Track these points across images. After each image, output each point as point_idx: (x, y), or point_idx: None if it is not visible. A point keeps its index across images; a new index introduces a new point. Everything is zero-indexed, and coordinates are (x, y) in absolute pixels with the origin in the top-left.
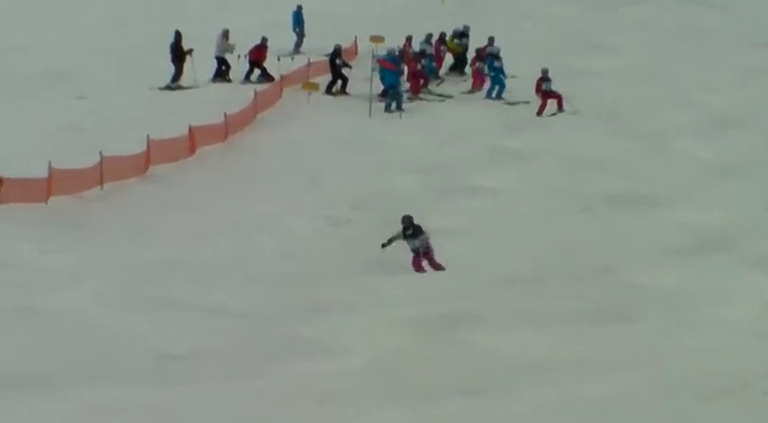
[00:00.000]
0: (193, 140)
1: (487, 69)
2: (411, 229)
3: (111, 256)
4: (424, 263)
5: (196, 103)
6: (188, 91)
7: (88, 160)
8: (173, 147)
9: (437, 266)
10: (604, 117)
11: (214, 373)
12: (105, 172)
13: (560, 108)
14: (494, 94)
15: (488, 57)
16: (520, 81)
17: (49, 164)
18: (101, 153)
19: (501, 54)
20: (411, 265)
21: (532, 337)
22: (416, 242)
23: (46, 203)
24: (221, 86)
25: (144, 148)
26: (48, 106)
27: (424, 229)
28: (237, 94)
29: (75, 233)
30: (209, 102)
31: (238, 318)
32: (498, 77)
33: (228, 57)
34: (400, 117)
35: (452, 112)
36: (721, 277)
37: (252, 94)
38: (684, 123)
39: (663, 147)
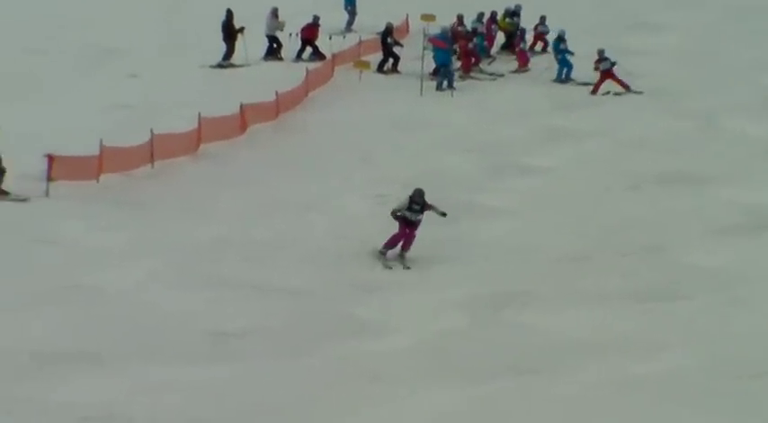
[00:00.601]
0: (244, 119)
1: (554, 52)
2: (419, 206)
3: (162, 235)
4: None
5: (247, 82)
6: (239, 69)
7: (139, 138)
8: (224, 125)
9: (406, 247)
10: (656, 96)
11: (266, 350)
12: (156, 150)
13: (626, 88)
14: (563, 76)
15: (555, 39)
16: (575, 61)
17: (101, 141)
18: (152, 131)
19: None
20: (390, 237)
21: (582, 316)
22: (417, 216)
23: (97, 181)
24: (272, 65)
25: (195, 126)
26: (100, 84)
27: (423, 212)
28: (289, 73)
29: (126, 211)
30: (260, 80)
31: (290, 296)
32: (565, 59)
33: (280, 35)
34: (452, 96)
35: (504, 91)
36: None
37: (303, 73)
38: (737, 102)
39: (714, 126)
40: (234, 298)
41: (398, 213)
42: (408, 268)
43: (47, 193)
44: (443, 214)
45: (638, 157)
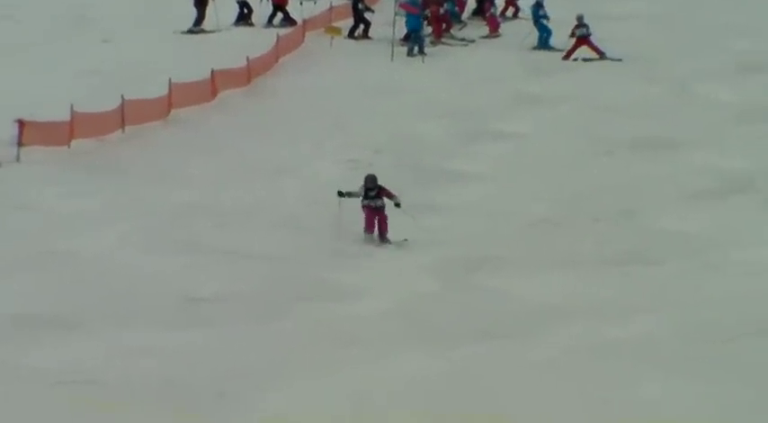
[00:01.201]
0: (215, 84)
1: (533, 17)
2: (374, 191)
3: (135, 199)
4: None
5: (218, 47)
6: (210, 35)
7: (111, 103)
8: (194, 90)
9: (383, 236)
10: (630, 62)
11: (239, 315)
12: (127, 115)
13: (601, 55)
14: (544, 43)
15: (534, 5)
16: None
17: (72, 107)
18: (122, 96)
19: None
20: (364, 224)
21: (555, 281)
22: (375, 202)
23: (68, 147)
24: (243, 30)
25: (166, 91)
26: (72, 50)
27: (383, 197)
28: (260, 38)
29: (98, 176)
30: (231, 46)
31: (263, 261)
32: (543, 25)
33: (251, 0)
34: (423, 61)
35: (475, 56)
36: (744, 220)
37: (274, 39)
38: (710, 68)
39: (688, 91)
40: (207, 263)
41: (349, 196)
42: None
43: (18, 159)
44: (398, 205)
45: (611, 122)
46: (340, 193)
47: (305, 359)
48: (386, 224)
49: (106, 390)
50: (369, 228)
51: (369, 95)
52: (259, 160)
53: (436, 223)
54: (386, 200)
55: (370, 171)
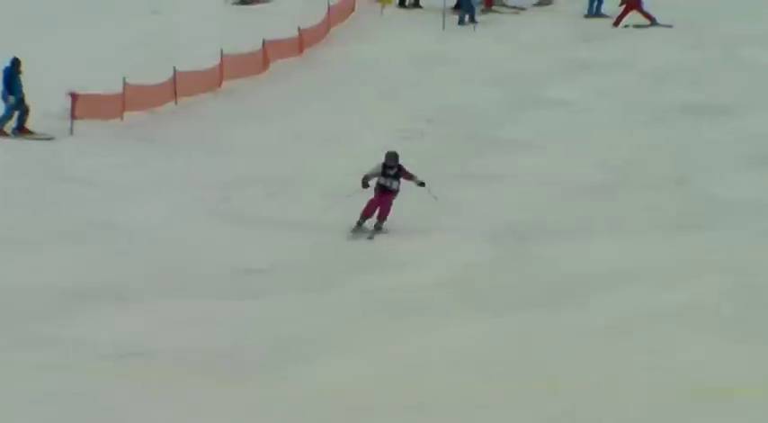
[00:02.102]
0: (267, 55)
1: None
2: (394, 170)
3: (186, 171)
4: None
5: (270, 18)
6: (262, 5)
7: (161, 75)
8: (246, 62)
9: (380, 221)
10: (680, 27)
11: (290, 286)
12: (179, 87)
13: (652, 21)
14: (594, 11)
15: None
16: None
17: (124, 80)
18: (174, 68)
19: None
20: (365, 205)
21: (607, 248)
22: (392, 182)
23: (121, 119)
24: (295, 1)
25: (217, 62)
26: (121, 22)
27: (399, 178)
28: (311, 9)
29: (150, 148)
30: (282, 16)
31: (314, 232)
32: None
33: None
34: (474, 29)
35: (526, 24)
36: None
37: (325, 9)
38: (759, 32)
39: (736, 56)
40: (258, 234)
41: (369, 180)
42: (370, 239)
43: (71, 132)
44: (422, 184)
45: (662, 88)
46: (365, 185)
47: (356, 330)
48: (388, 210)
49: (156, 361)
50: (368, 210)
51: (420, 64)
52: (310, 130)
53: (488, 192)
54: (403, 183)
55: (423, 141)
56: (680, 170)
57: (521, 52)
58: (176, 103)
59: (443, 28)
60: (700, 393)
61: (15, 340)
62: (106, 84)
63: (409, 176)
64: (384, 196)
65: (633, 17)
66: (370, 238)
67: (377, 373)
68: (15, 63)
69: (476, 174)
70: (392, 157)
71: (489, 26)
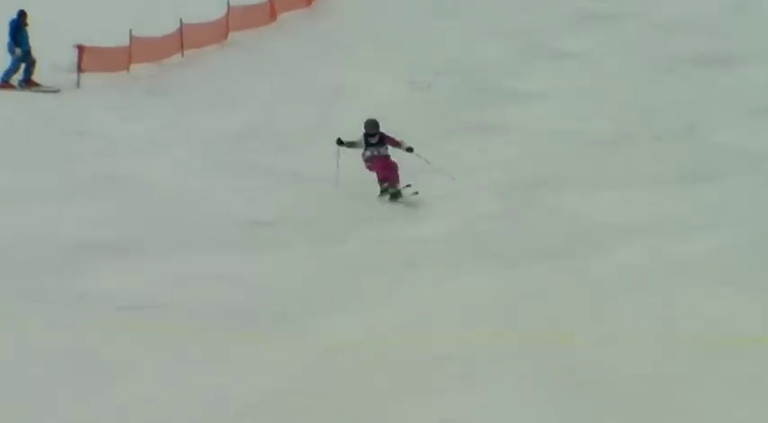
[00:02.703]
0: (274, 7)
1: None
2: (376, 137)
3: (193, 123)
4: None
5: None
6: None
7: (166, 28)
8: (253, 13)
9: (392, 178)
10: None
11: (299, 238)
12: (185, 39)
13: None
14: None
15: None
16: None
17: (130, 32)
18: (181, 20)
19: None
20: (379, 176)
21: (617, 199)
22: (380, 150)
23: (128, 71)
24: None
25: (224, 14)
26: None
27: (385, 144)
28: None
29: (157, 101)
30: None
31: (323, 184)
32: None
33: None
34: None
35: None
36: None
37: None
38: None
39: (747, 7)
40: (266, 187)
41: (349, 147)
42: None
43: (78, 84)
44: (410, 149)
45: (672, 39)
46: (339, 142)
47: (368, 281)
48: (393, 172)
49: (167, 314)
50: (381, 175)
51: (427, 16)
52: (318, 82)
53: (495, 144)
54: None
55: (431, 92)
56: (689, 120)
57: (529, 2)
58: (183, 55)
59: None
60: (714, 345)
61: (24, 292)
62: (113, 36)
63: (395, 143)
64: (381, 162)
65: None
66: (416, 193)
67: (392, 326)
68: (22, 15)
69: (484, 124)
70: (371, 125)
71: None
